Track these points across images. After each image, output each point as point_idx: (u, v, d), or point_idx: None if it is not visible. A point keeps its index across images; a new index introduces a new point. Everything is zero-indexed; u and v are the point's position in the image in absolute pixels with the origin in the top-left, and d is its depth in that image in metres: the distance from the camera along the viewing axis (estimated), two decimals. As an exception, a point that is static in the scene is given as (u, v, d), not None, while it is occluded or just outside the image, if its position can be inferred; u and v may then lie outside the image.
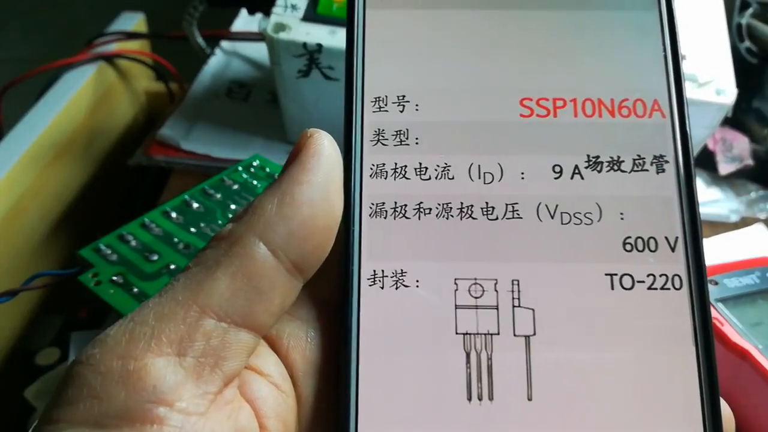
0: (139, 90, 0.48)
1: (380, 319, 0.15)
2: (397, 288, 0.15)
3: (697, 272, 0.16)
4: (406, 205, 0.16)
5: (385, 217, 0.16)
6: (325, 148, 0.15)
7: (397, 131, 0.16)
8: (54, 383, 0.29)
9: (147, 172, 0.42)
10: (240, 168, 0.33)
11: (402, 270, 0.15)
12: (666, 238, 0.16)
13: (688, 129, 0.16)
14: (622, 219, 0.16)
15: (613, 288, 0.15)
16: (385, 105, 0.16)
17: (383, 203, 0.16)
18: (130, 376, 0.12)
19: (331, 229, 0.15)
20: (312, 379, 0.15)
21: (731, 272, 0.29)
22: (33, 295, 0.36)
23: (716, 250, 0.35)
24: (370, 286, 0.15)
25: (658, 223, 0.16)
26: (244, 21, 0.49)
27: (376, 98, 0.17)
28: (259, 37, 0.46)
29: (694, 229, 0.16)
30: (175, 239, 0.28)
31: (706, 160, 0.40)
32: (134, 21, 0.48)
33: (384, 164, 0.16)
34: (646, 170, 0.16)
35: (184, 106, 0.42)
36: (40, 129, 0.37)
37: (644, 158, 0.16)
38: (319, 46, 0.34)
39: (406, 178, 0.16)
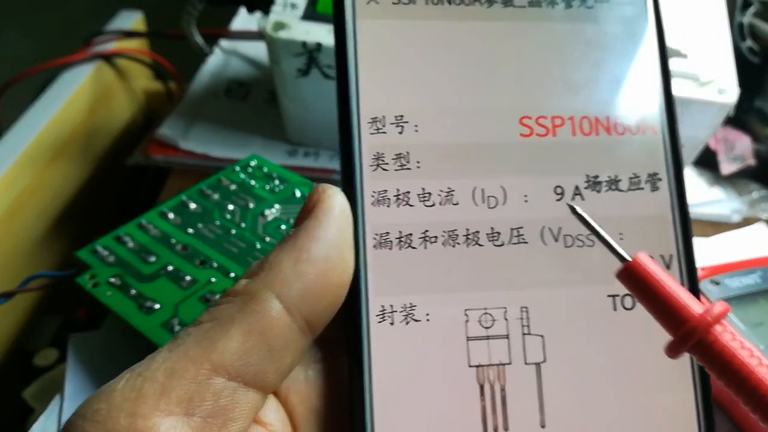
0: (137, 89, 0.48)
1: (392, 356, 0.15)
2: (407, 323, 0.15)
3: (691, 289, 0.16)
4: (411, 234, 0.15)
5: (390, 249, 0.15)
6: (338, 203, 0.15)
7: (397, 155, 0.16)
8: (52, 384, 0.29)
9: (145, 171, 0.42)
10: (237, 168, 0.33)
11: (411, 304, 0.15)
12: (662, 256, 0.16)
13: (679, 146, 0.16)
14: (621, 239, 0.16)
15: (615, 309, 0.16)
16: (383, 126, 0.16)
17: (387, 233, 0.15)
18: None
19: (343, 287, 0.15)
20: (312, 424, 0.15)
21: (733, 272, 0.29)
22: (31, 295, 0.36)
23: (718, 250, 0.35)
24: (379, 322, 0.15)
25: (655, 242, 0.16)
26: (243, 20, 0.49)
27: (373, 119, 0.16)
28: (258, 36, 0.45)
29: (688, 245, 0.16)
30: (173, 240, 0.28)
31: (708, 160, 0.40)
32: (132, 19, 0.48)
33: (386, 191, 0.15)
34: (642, 188, 0.16)
35: (183, 106, 0.41)
36: (37, 128, 0.37)
37: (639, 176, 0.16)
38: (319, 45, 0.34)
39: (410, 205, 0.15)
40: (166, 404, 0.12)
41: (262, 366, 0.13)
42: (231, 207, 0.30)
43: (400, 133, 0.16)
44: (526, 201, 0.16)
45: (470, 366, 0.15)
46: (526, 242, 0.16)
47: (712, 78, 0.33)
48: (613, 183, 0.16)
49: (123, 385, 0.13)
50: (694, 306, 0.13)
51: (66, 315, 0.35)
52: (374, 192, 0.15)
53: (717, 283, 0.28)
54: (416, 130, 0.16)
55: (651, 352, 0.15)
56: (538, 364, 0.15)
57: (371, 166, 0.15)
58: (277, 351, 0.14)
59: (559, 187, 0.16)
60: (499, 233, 0.16)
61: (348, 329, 0.15)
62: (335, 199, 0.15)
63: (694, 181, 0.40)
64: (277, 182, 0.32)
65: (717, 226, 0.38)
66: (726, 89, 0.33)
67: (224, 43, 0.47)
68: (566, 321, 0.15)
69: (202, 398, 0.13)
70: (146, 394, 0.12)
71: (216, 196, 0.31)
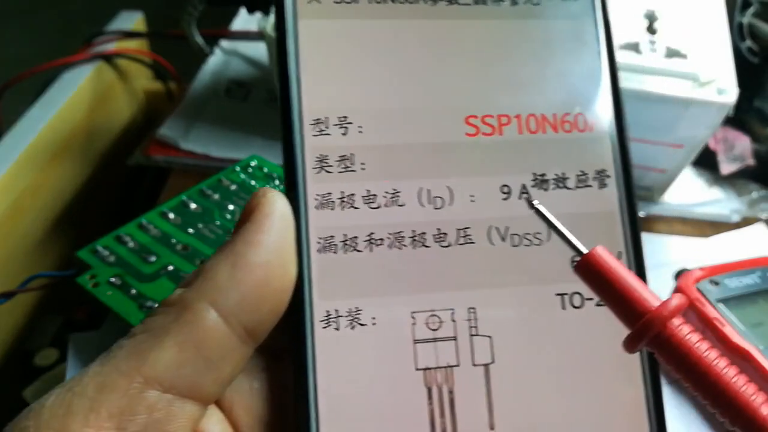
0: (137, 89, 0.48)
1: (337, 362, 0.14)
2: (353, 328, 0.15)
3: None
4: (356, 238, 0.15)
5: (335, 252, 0.15)
6: (278, 207, 0.14)
7: (341, 156, 0.15)
8: (53, 384, 0.29)
9: (146, 171, 0.42)
10: (238, 168, 0.33)
11: (357, 308, 0.15)
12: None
13: (627, 143, 0.16)
14: None
15: (564, 308, 0.16)
16: (327, 128, 0.15)
17: (332, 237, 0.15)
18: None
19: (286, 292, 0.14)
20: None
21: (732, 272, 0.29)
22: (31, 295, 0.36)
23: (717, 250, 0.35)
24: (324, 328, 0.15)
25: (603, 239, 0.15)
26: (244, 20, 0.49)
27: (316, 120, 0.15)
28: (258, 36, 0.46)
29: (636, 242, 0.16)
30: (173, 240, 0.28)
31: (708, 160, 0.40)
32: (133, 20, 0.48)
33: (330, 193, 0.15)
34: (590, 186, 0.16)
35: (183, 106, 0.41)
36: (38, 129, 0.37)
37: (587, 174, 0.16)
38: (319, 45, 0.34)
39: (354, 208, 0.15)
40: (96, 419, 0.12)
41: (198, 377, 0.13)
42: (231, 207, 0.30)
43: (344, 134, 0.15)
44: (472, 201, 0.16)
45: (417, 369, 0.15)
46: (473, 242, 0.15)
47: (712, 78, 0.33)
48: (561, 181, 0.16)
49: (52, 402, 0.12)
50: (652, 299, 0.13)
51: (66, 315, 0.35)
52: (318, 195, 0.15)
53: (716, 283, 0.28)
54: (360, 131, 0.15)
55: (600, 351, 0.15)
56: (486, 365, 0.15)
57: (314, 168, 0.15)
58: (214, 361, 0.13)
59: (506, 186, 0.16)
60: (445, 234, 0.15)
61: (292, 336, 0.14)
62: (275, 202, 0.14)
63: (693, 181, 0.40)
64: (277, 182, 0.32)
65: (716, 226, 0.38)
66: (725, 89, 0.33)
67: (224, 43, 0.47)
68: (514, 321, 0.15)
69: (134, 412, 0.12)
70: (75, 410, 0.12)
71: (216, 197, 0.31)
